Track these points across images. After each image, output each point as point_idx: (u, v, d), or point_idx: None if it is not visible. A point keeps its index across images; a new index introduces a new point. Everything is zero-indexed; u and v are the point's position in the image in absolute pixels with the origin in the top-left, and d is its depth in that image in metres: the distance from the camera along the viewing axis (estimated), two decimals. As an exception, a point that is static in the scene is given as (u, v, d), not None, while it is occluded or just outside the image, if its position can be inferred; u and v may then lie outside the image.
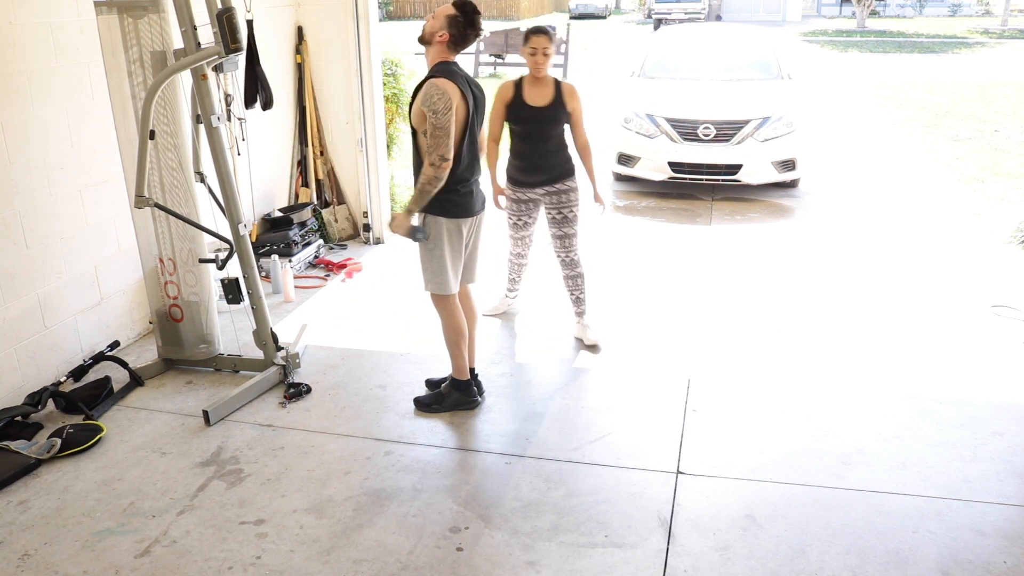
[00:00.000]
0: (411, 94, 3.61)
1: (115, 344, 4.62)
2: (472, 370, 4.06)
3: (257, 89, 5.43)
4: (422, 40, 3.63)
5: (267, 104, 5.50)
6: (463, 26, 3.54)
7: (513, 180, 4.68)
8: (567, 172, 4.63)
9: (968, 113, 12.88)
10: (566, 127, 4.66)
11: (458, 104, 3.48)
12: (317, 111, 6.43)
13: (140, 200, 3.77)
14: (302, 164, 6.51)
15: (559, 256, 4.73)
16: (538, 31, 4.42)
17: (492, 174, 4.72)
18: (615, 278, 5.86)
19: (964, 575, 2.87)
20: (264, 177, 6.05)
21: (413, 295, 5.42)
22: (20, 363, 4.06)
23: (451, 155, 3.49)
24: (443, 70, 3.53)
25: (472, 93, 3.61)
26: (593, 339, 4.72)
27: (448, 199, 3.64)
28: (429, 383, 4.21)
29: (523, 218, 4.82)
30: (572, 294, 4.80)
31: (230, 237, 4.14)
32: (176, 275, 4.31)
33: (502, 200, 4.82)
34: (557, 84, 4.53)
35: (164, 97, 3.94)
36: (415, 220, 3.65)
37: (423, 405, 4.03)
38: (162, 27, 3.91)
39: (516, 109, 4.50)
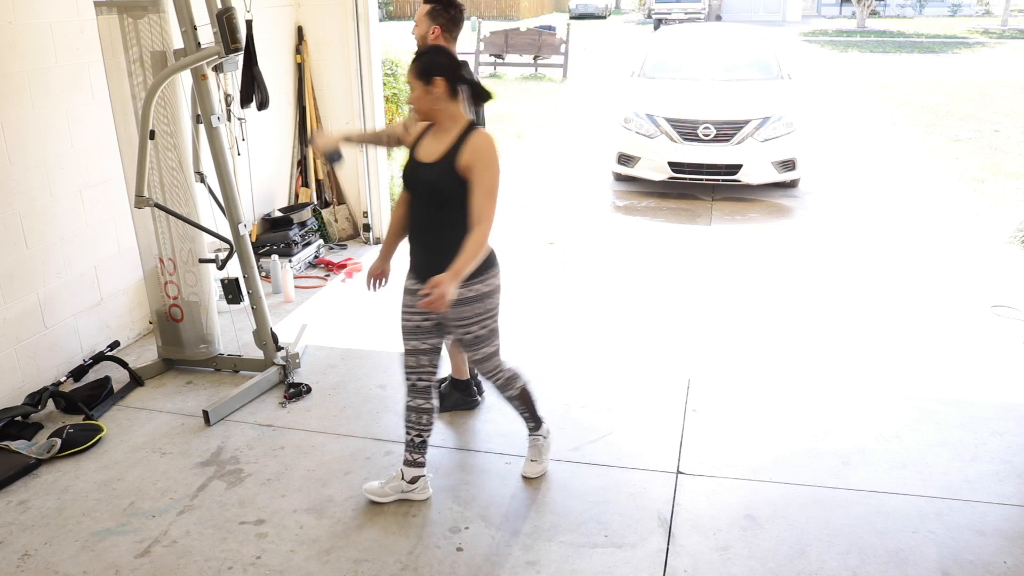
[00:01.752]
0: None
1: (115, 344, 4.62)
2: (472, 370, 4.06)
3: (253, 89, 5.42)
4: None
5: (263, 104, 5.50)
6: (444, 9, 3.55)
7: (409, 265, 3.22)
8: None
9: (968, 113, 12.88)
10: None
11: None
12: (317, 111, 6.43)
13: (140, 200, 3.77)
14: (302, 164, 6.51)
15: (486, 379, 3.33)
16: (412, 61, 2.97)
17: (385, 246, 3.34)
18: (615, 278, 5.86)
19: (964, 575, 2.87)
20: (264, 177, 6.05)
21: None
22: (20, 363, 4.06)
23: None
24: None
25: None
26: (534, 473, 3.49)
27: None
28: None
29: (415, 321, 3.17)
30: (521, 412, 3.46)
31: (230, 237, 4.14)
32: (176, 275, 4.31)
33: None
34: (463, 133, 2.93)
35: (164, 97, 3.94)
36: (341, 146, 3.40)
37: None
38: (162, 27, 3.91)
39: (407, 162, 3.09)
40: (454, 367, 3.98)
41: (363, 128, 3.51)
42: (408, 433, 3.26)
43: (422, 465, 3.31)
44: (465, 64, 3.07)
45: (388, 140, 3.44)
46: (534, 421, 3.49)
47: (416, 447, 3.28)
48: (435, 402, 3.26)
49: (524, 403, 3.40)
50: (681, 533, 3.12)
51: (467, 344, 3.14)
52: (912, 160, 9.71)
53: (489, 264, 3.07)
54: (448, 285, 2.82)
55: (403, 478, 3.29)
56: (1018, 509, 3.23)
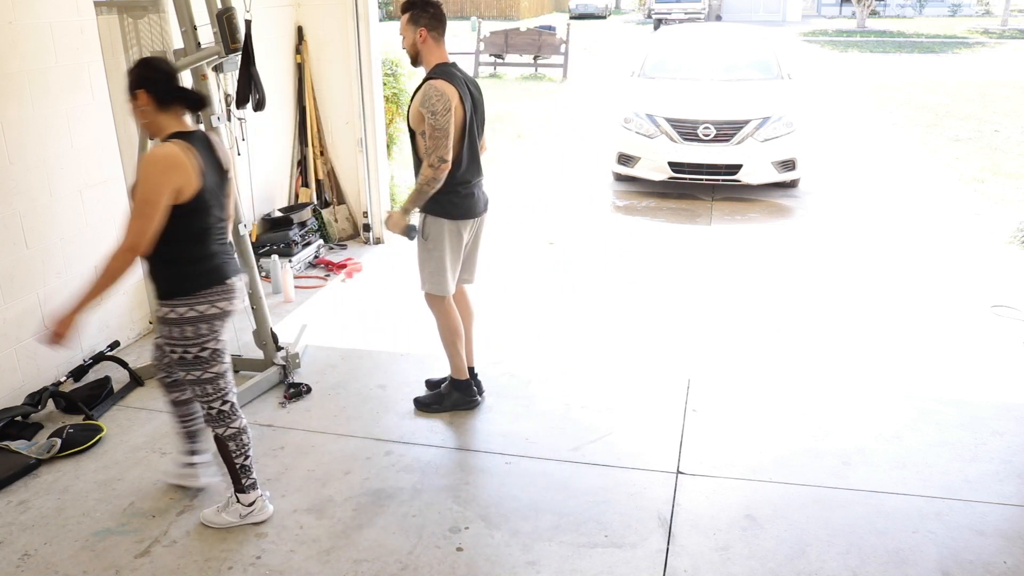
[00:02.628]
0: (411, 95, 3.60)
1: (115, 344, 4.62)
2: (471, 369, 4.06)
3: (251, 89, 5.42)
4: (414, 60, 3.63)
5: (259, 105, 5.49)
6: (423, 9, 3.52)
7: None
8: (160, 290, 2.92)
9: (968, 113, 12.88)
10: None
11: (456, 105, 3.47)
12: (317, 111, 6.43)
13: (140, 200, 3.76)
14: (302, 164, 6.51)
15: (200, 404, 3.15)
16: None
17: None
18: (615, 278, 5.86)
19: (964, 575, 2.87)
20: (264, 177, 6.05)
21: (413, 295, 5.40)
22: (20, 363, 4.06)
23: (450, 156, 3.48)
24: (441, 71, 3.52)
25: (471, 94, 3.61)
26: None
27: (449, 200, 3.63)
28: (429, 383, 4.21)
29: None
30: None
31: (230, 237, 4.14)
32: (176, 275, 4.30)
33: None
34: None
35: (164, 97, 3.94)
36: (411, 219, 3.67)
37: (423, 405, 4.03)
38: (162, 27, 3.92)
39: None
40: (453, 368, 3.98)
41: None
42: (236, 460, 3.10)
43: (255, 486, 3.18)
44: (172, 75, 2.89)
45: (432, 183, 3.52)
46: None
47: (247, 470, 3.14)
48: (226, 428, 3.06)
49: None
50: (681, 533, 3.12)
51: (173, 362, 3.01)
52: (912, 160, 9.71)
53: (196, 287, 2.87)
54: (58, 322, 2.78)
55: (239, 502, 3.16)
56: (1018, 509, 3.24)
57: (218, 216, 2.94)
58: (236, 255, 3.23)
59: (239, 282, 3.05)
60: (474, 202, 3.72)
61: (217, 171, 2.92)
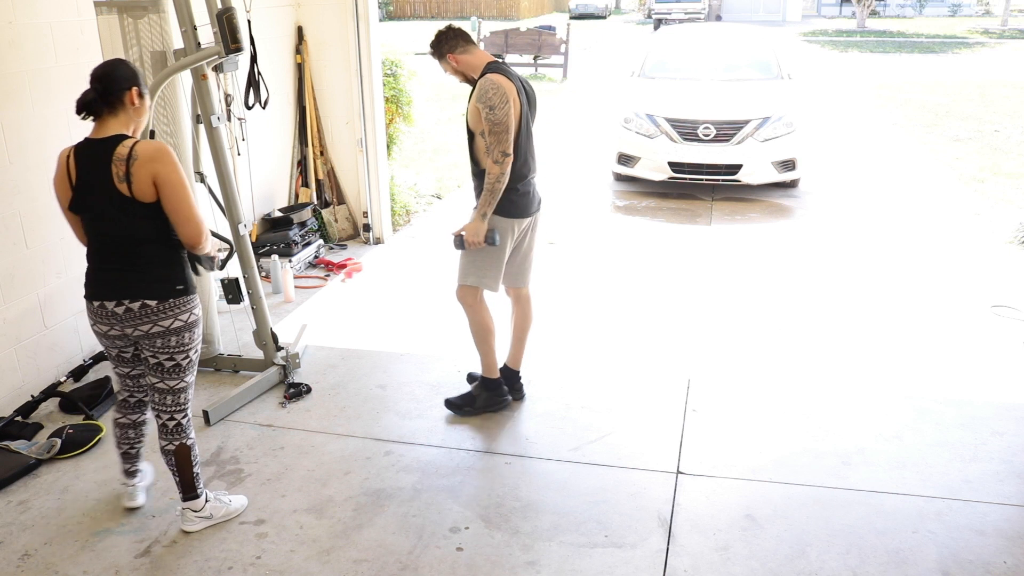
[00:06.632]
0: (467, 97, 3.57)
1: (115, 344, 4.61)
2: (516, 373, 4.04)
3: (257, 88, 5.43)
4: (470, 80, 3.62)
5: (265, 103, 5.50)
6: (437, 47, 3.59)
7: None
8: (156, 292, 2.87)
9: (968, 113, 12.88)
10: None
11: (514, 99, 3.45)
12: (317, 111, 6.43)
13: (140, 200, 3.76)
14: (302, 164, 6.51)
15: (156, 418, 3.08)
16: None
17: None
18: (615, 278, 5.86)
19: (964, 575, 2.87)
20: (264, 177, 6.05)
21: (413, 295, 5.42)
22: (20, 363, 4.06)
23: (512, 150, 3.45)
24: (495, 67, 3.51)
25: (524, 89, 3.59)
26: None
27: (505, 197, 3.57)
28: (471, 378, 4.14)
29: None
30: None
31: (230, 237, 4.14)
32: (176, 275, 4.30)
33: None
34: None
35: (164, 97, 3.94)
36: (487, 223, 3.57)
37: (454, 407, 3.96)
38: (162, 27, 3.91)
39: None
40: (484, 366, 3.90)
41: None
42: (196, 467, 3.11)
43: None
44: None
45: (501, 178, 3.52)
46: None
47: (199, 476, 3.15)
48: (186, 439, 3.07)
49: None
50: (681, 533, 3.12)
51: (188, 368, 3.00)
52: (912, 160, 9.71)
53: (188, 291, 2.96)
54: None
55: (208, 501, 3.19)
56: (1018, 509, 3.24)
57: None
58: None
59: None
60: (529, 200, 3.69)
61: None
